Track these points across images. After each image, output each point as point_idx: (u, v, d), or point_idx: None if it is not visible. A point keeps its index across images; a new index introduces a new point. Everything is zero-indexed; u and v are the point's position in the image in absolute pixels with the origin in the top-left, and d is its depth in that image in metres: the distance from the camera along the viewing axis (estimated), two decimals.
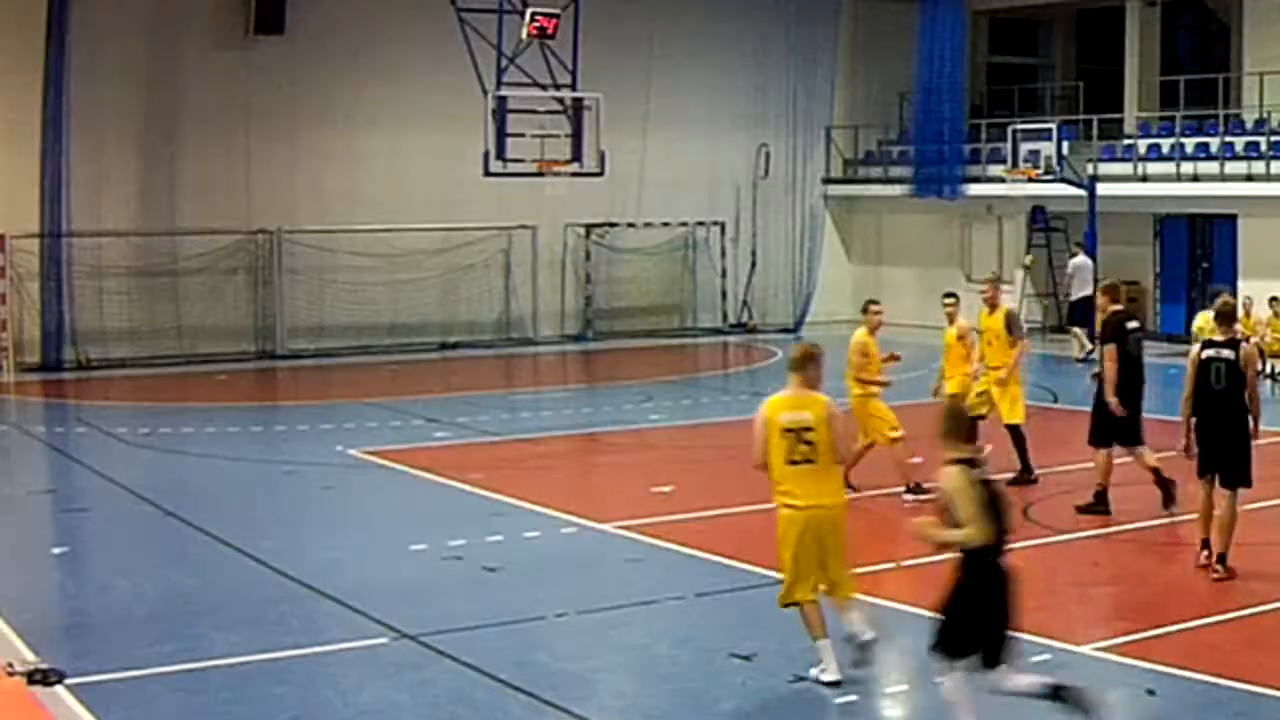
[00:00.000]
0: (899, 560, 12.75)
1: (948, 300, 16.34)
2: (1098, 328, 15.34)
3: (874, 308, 15.89)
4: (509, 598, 11.94)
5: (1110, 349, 14.26)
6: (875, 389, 15.46)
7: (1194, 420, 12.18)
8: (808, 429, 9.35)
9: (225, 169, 29.04)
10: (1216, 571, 11.98)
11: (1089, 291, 27.67)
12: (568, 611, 11.46)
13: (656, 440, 19.27)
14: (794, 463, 9.36)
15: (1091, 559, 12.88)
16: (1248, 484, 12.07)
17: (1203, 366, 12.11)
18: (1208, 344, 12.32)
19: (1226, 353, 12.07)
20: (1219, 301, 12.78)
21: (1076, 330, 28.22)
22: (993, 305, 16.20)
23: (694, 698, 9.46)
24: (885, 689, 9.88)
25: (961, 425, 8.69)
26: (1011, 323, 16.14)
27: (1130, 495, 14.57)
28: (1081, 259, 28.88)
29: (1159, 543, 13.57)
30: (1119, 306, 14.71)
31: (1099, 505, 14.43)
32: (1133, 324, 14.68)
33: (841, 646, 9.60)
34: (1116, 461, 14.51)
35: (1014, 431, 15.91)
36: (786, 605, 9.68)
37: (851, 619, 9.68)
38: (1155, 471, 14.36)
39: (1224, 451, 12.04)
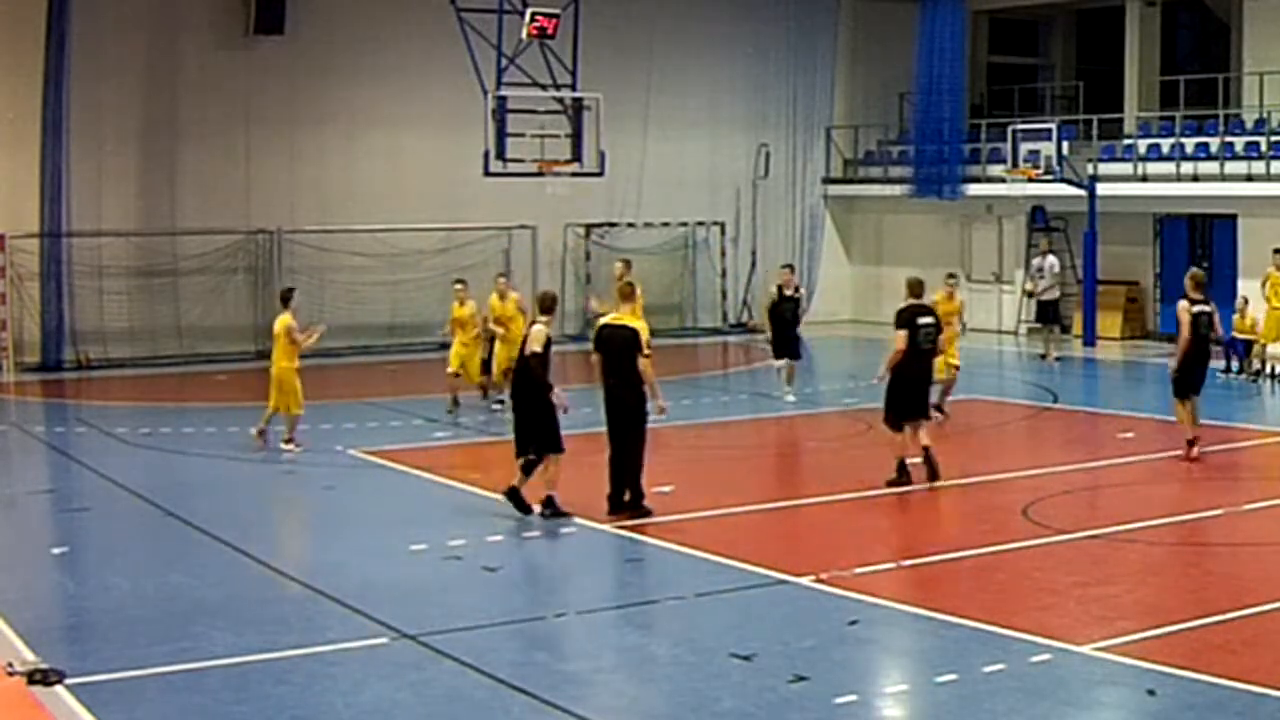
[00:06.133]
0: (899, 560, 12.77)
1: (458, 285, 22.32)
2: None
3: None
4: (509, 598, 11.93)
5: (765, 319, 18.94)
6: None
7: None
8: None
9: (225, 169, 29.03)
10: None
11: (1056, 295, 28.37)
12: (567, 611, 11.44)
13: (657, 440, 19.20)
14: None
15: (1092, 559, 12.87)
16: None
17: None
18: None
19: None
20: None
21: (1052, 328, 28.16)
22: (503, 295, 21.72)
23: (694, 698, 9.44)
24: (885, 689, 9.88)
25: (544, 301, 14.89)
26: (522, 309, 21.27)
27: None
28: (1052, 259, 28.82)
29: (1159, 543, 13.57)
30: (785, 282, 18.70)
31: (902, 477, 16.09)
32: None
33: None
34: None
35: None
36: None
37: None
38: (926, 449, 16.07)
39: None
